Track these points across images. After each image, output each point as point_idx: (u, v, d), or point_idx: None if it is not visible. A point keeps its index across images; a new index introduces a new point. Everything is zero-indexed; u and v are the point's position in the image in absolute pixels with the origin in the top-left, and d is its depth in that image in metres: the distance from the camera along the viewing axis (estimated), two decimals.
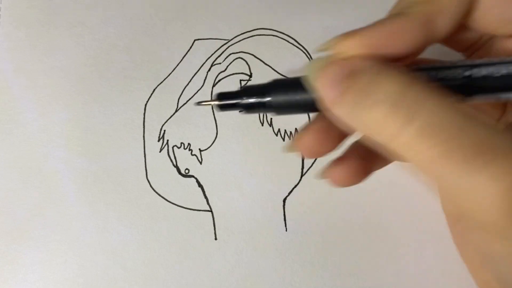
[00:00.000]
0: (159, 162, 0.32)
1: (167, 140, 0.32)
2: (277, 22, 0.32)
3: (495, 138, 0.16)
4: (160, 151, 0.32)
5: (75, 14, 0.32)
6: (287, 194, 0.32)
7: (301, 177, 0.32)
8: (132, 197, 0.31)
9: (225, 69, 0.32)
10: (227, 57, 0.32)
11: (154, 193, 0.31)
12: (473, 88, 0.19)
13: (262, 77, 0.32)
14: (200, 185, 0.31)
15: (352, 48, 0.19)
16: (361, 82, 0.18)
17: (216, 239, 0.31)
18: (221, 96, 0.20)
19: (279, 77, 0.31)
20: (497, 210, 0.16)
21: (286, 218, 0.31)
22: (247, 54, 0.32)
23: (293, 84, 0.20)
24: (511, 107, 0.24)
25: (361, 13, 0.32)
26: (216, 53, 0.32)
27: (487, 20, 0.21)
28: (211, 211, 0.31)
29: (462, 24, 0.21)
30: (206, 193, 0.31)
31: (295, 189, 0.32)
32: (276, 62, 0.32)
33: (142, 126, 0.32)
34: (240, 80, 0.32)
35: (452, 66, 0.20)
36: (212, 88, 0.32)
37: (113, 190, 0.31)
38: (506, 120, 0.24)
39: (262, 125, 0.32)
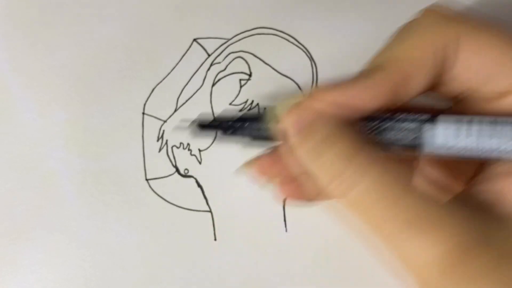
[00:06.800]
0: (158, 162, 0.31)
1: (166, 140, 0.32)
2: (277, 21, 0.32)
3: (430, 211, 0.18)
4: (159, 151, 0.32)
5: (74, 13, 0.32)
6: None
7: None
8: (131, 198, 0.31)
9: (225, 69, 0.32)
10: (226, 56, 0.32)
11: (153, 193, 0.31)
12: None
13: (262, 76, 0.32)
14: (199, 185, 0.31)
15: (321, 103, 0.21)
16: (316, 138, 0.21)
17: (215, 239, 0.31)
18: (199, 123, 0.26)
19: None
20: (431, 274, 0.18)
21: (286, 219, 0.31)
22: (247, 53, 0.32)
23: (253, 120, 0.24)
24: (484, 169, 0.23)
25: (361, 12, 0.32)
26: (215, 52, 0.32)
27: (464, 79, 0.21)
28: (210, 211, 0.31)
29: (437, 83, 0.22)
30: (205, 193, 0.31)
31: None
32: (276, 61, 0.32)
33: (141, 126, 0.32)
34: (240, 80, 0.32)
35: (405, 119, 0.21)
36: (212, 87, 0.32)
37: (112, 190, 0.31)
38: (475, 183, 0.23)
39: None
